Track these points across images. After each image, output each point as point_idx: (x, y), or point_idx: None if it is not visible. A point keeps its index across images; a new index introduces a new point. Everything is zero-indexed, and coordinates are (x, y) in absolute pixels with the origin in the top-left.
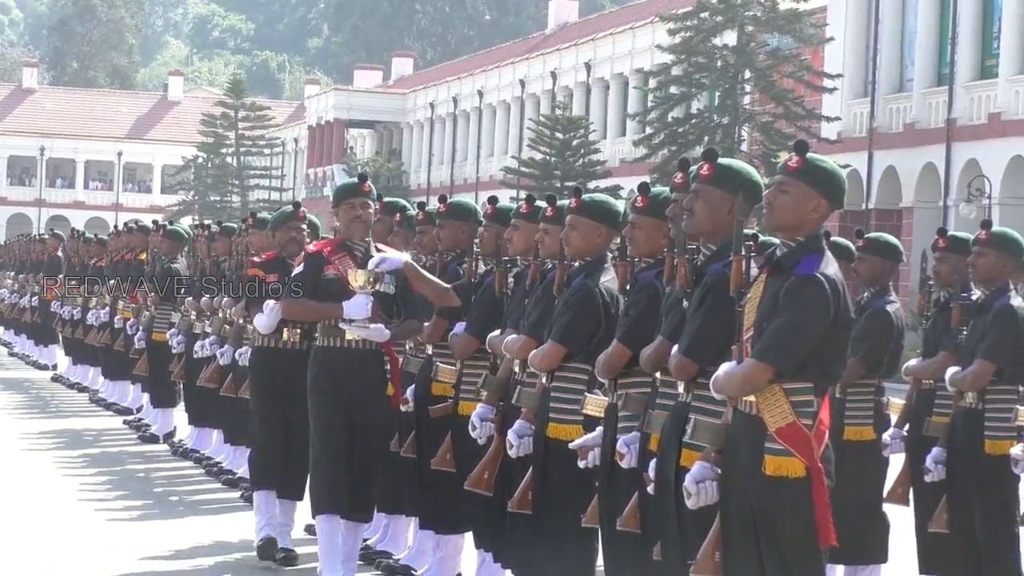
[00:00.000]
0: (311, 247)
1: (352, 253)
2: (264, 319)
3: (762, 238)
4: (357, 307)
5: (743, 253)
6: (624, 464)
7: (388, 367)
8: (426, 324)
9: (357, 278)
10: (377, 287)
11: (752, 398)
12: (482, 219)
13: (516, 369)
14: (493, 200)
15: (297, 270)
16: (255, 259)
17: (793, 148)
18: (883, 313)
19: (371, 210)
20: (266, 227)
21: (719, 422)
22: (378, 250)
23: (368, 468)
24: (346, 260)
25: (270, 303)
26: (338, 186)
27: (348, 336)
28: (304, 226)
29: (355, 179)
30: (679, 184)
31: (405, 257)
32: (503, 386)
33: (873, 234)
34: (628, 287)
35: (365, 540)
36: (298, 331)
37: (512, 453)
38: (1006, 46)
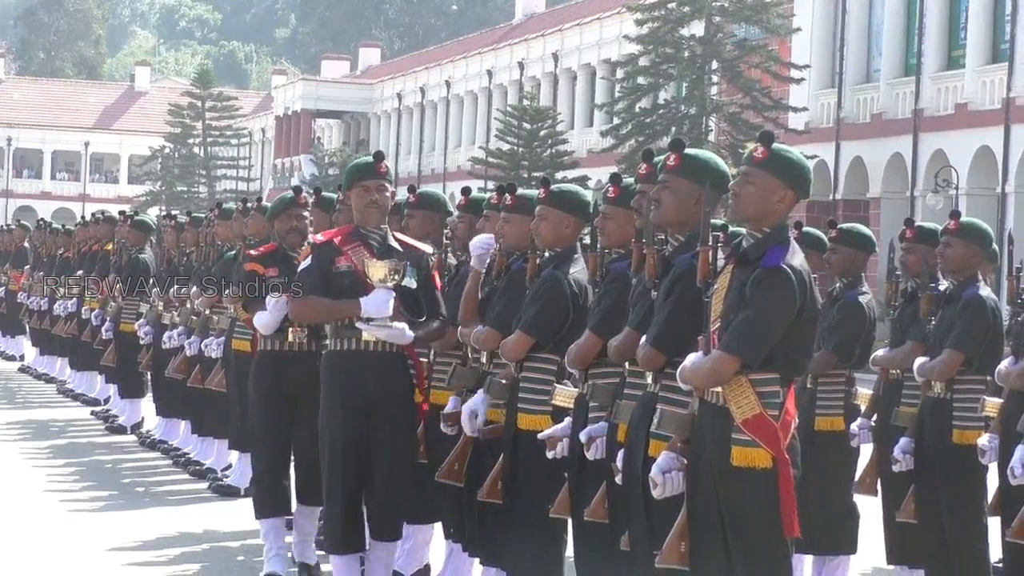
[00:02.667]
0: (319, 237)
1: (367, 242)
2: (266, 318)
3: (732, 229)
4: (377, 303)
5: (710, 244)
6: (590, 455)
7: (413, 372)
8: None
9: (376, 271)
10: (400, 280)
11: (719, 389)
12: (451, 210)
13: (483, 360)
14: (466, 191)
15: (304, 264)
16: (252, 252)
17: (758, 139)
18: (855, 304)
19: (388, 193)
20: (231, 217)
21: (685, 412)
22: (396, 239)
23: (394, 489)
24: (360, 250)
25: (272, 299)
26: (351, 166)
27: (365, 337)
28: (306, 213)
29: (370, 157)
30: (644, 175)
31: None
32: (473, 378)
33: (846, 225)
34: (599, 277)
35: None
36: (305, 331)
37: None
38: (973, 37)
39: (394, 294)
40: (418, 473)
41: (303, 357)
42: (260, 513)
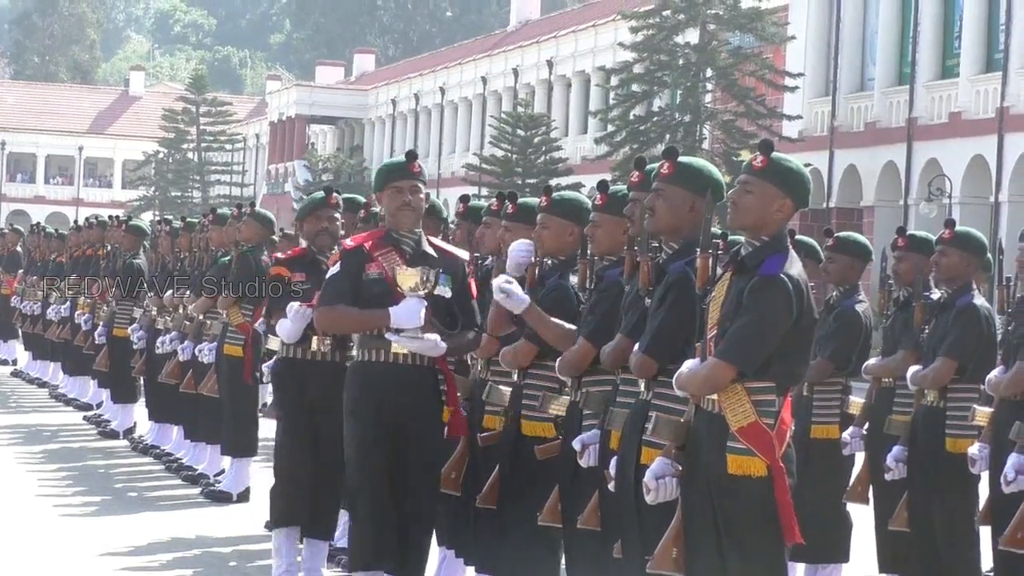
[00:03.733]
0: (348, 242)
1: (399, 248)
2: (288, 326)
3: (730, 236)
4: (408, 314)
5: (710, 251)
6: (583, 462)
7: (443, 387)
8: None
9: (407, 278)
10: (432, 289)
11: (715, 397)
12: (445, 216)
13: (480, 367)
14: (465, 198)
15: (333, 270)
16: (279, 255)
17: (758, 148)
18: (852, 312)
19: (422, 195)
20: (226, 222)
21: (680, 419)
22: (431, 244)
23: (420, 513)
24: (392, 256)
25: (295, 306)
26: (382, 166)
27: (395, 349)
28: (337, 215)
29: (403, 157)
30: (636, 183)
31: (462, 255)
32: (469, 386)
33: (843, 234)
34: (589, 285)
35: None
36: (329, 339)
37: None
38: (967, 46)
39: (425, 303)
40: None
41: (327, 367)
42: (276, 522)
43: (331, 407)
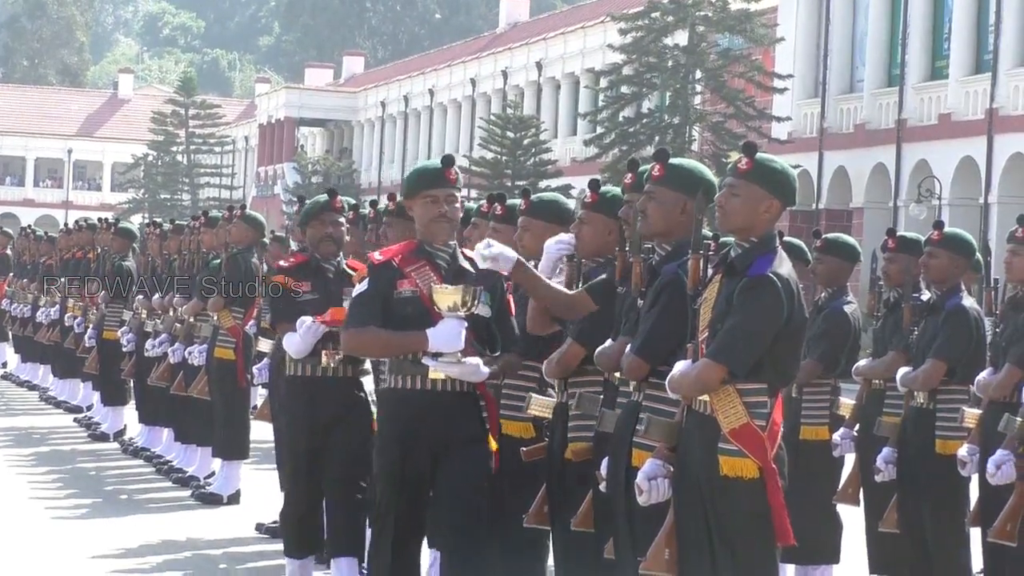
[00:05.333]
0: (377, 255)
1: (433, 262)
2: (297, 342)
3: (722, 239)
4: (449, 335)
5: (701, 252)
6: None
7: (485, 413)
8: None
9: (446, 297)
10: (473, 308)
11: (706, 398)
12: None
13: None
14: None
15: (360, 288)
16: (281, 263)
17: (742, 150)
18: (840, 313)
19: (459, 204)
20: (217, 225)
21: (673, 420)
22: (467, 258)
23: (465, 553)
24: (426, 272)
25: (307, 321)
26: (414, 171)
27: (432, 375)
28: (342, 219)
29: (438, 163)
30: (629, 184)
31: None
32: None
33: (831, 235)
34: (576, 286)
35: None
36: (339, 354)
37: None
38: (956, 47)
39: (466, 324)
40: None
41: (338, 384)
42: (290, 551)
43: (342, 426)
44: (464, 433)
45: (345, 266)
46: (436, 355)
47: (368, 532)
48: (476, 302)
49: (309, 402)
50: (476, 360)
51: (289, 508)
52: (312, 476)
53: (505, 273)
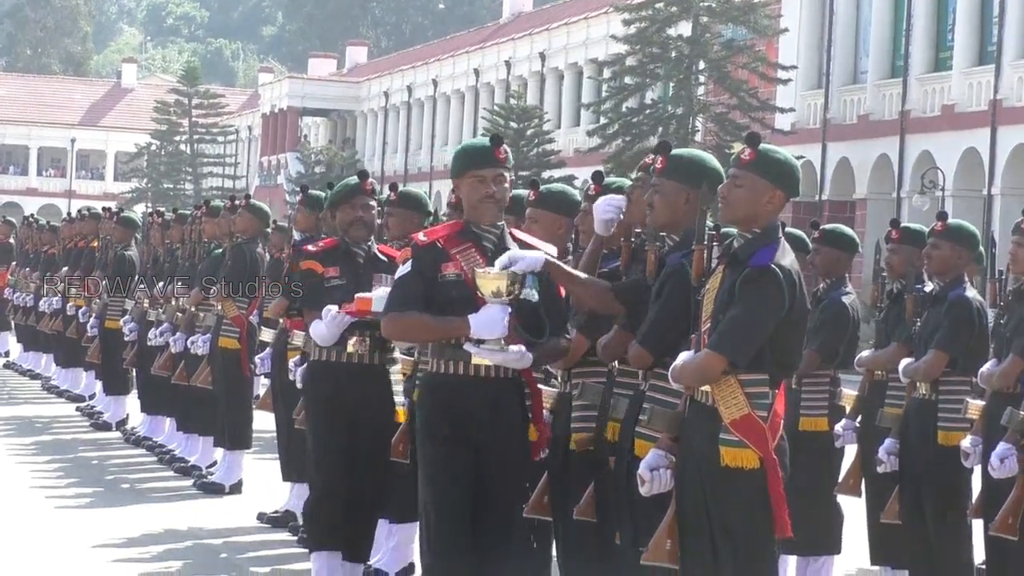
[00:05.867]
0: (421, 236)
1: (480, 244)
2: (323, 331)
3: (724, 229)
4: (491, 322)
5: (706, 243)
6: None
7: (529, 401)
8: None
9: (489, 282)
10: (517, 294)
11: (708, 388)
12: (431, 210)
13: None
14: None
15: (403, 270)
16: (309, 247)
17: (745, 141)
18: (839, 304)
19: (507, 184)
20: (219, 214)
21: (675, 410)
22: (514, 239)
23: (503, 547)
24: (471, 254)
25: (332, 310)
26: (461, 149)
27: (475, 361)
28: (373, 202)
29: (486, 141)
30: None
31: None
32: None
33: (829, 226)
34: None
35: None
36: (367, 340)
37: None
38: (960, 38)
39: (509, 311)
40: (404, 468)
41: (365, 370)
42: (315, 544)
43: (370, 415)
44: (506, 421)
45: (376, 251)
46: (478, 341)
47: (377, 532)
48: (521, 287)
49: (335, 388)
50: (519, 347)
51: (316, 497)
52: (336, 465)
53: (537, 270)
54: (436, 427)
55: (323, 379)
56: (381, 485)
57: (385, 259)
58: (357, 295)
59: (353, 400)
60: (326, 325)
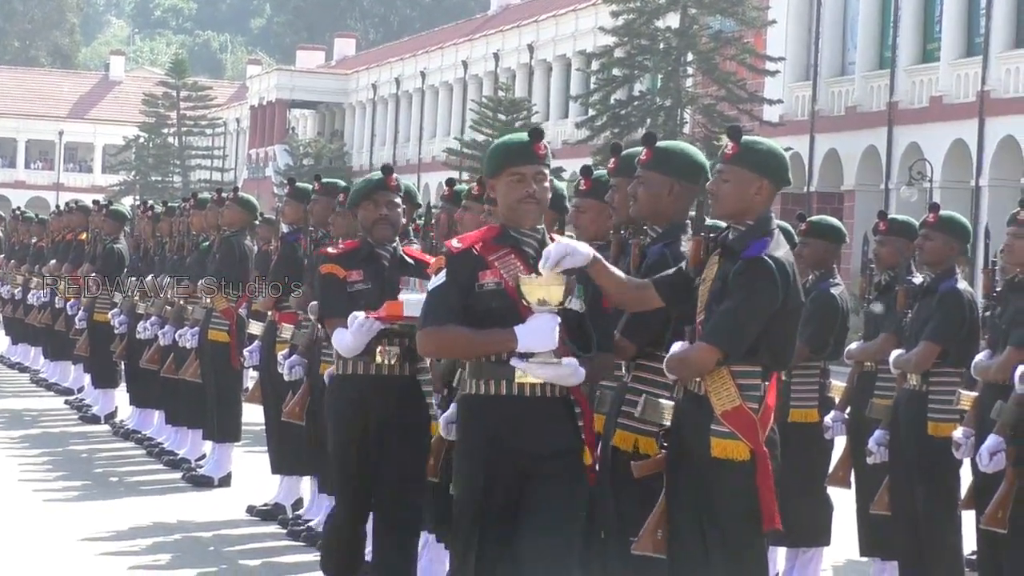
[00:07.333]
0: (455, 243)
1: (520, 250)
2: (348, 340)
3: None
4: (540, 334)
5: (702, 234)
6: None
7: (581, 422)
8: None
9: (536, 290)
10: (566, 302)
11: (700, 379)
12: (419, 202)
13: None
14: (451, 182)
15: (437, 280)
16: (330, 249)
17: (727, 135)
18: (827, 296)
19: (547, 183)
20: (206, 207)
21: (668, 401)
22: (552, 240)
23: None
24: (511, 261)
25: (359, 316)
26: (499, 145)
27: (519, 378)
28: (398, 199)
29: (524, 136)
30: (612, 169)
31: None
32: (448, 372)
33: (815, 217)
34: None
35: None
36: (396, 350)
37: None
38: (948, 30)
39: (559, 320)
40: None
41: (394, 383)
42: (328, 570)
43: (401, 434)
44: (557, 446)
45: (403, 253)
46: (526, 355)
47: (418, 559)
48: (570, 295)
49: (360, 403)
50: (573, 361)
51: (334, 521)
52: (362, 487)
53: (580, 266)
54: (477, 455)
55: (349, 395)
56: (416, 506)
57: (412, 261)
58: (388, 302)
59: (382, 415)
60: (352, 334)
